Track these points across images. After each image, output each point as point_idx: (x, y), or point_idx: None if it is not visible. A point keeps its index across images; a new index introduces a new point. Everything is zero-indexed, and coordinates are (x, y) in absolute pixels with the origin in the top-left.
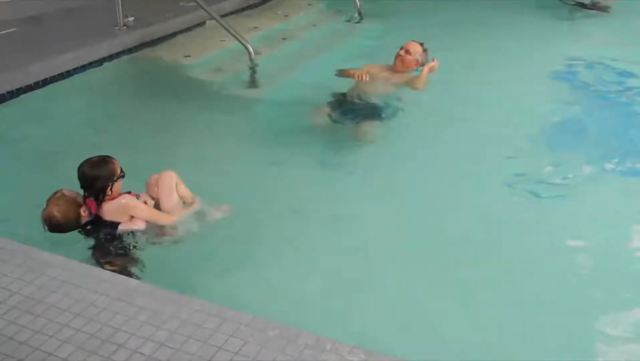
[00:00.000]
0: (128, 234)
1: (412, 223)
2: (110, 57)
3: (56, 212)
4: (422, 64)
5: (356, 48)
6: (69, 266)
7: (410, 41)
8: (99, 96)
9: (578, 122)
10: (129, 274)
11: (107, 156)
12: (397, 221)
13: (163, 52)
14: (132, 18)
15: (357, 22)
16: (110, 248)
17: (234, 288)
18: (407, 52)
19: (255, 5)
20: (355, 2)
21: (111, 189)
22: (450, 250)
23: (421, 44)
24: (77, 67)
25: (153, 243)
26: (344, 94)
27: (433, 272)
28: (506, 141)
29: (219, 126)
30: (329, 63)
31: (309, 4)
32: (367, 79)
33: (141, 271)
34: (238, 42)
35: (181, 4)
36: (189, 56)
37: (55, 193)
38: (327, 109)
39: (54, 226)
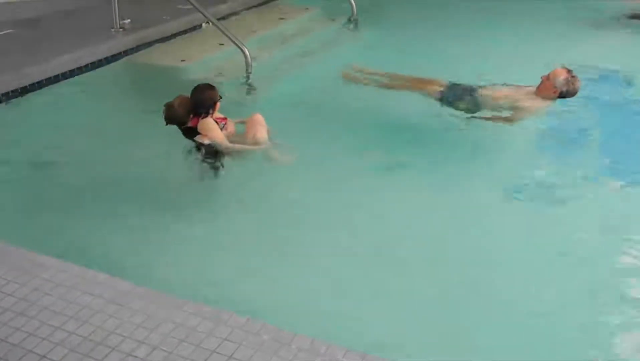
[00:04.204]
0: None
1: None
2: (106, 60)
3: (176, 105)
4: (562, 92)
5: (352, 53)
6: (63, 268)
7: (559, 67)
8: (95, 98)
9: (581, 130)
10: (213, 161)
11: (210, 84)
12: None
13: (159, 55)
14: (129, 20)
15: (353, 26)
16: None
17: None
18: (548, 77)
19: (251, 9)
20: (351, 7)
21: (213, 110)
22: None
23: (569, 71)
24: (74, 69)
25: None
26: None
27: (432, 277)
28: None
29: None
30: (325, 67)
31: (306, 8)
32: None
33: (220, 165)
34: (234, 46)
35: (178, 6)
36: (184, 60)
37: (180, 95)
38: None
39: (167, 112)
